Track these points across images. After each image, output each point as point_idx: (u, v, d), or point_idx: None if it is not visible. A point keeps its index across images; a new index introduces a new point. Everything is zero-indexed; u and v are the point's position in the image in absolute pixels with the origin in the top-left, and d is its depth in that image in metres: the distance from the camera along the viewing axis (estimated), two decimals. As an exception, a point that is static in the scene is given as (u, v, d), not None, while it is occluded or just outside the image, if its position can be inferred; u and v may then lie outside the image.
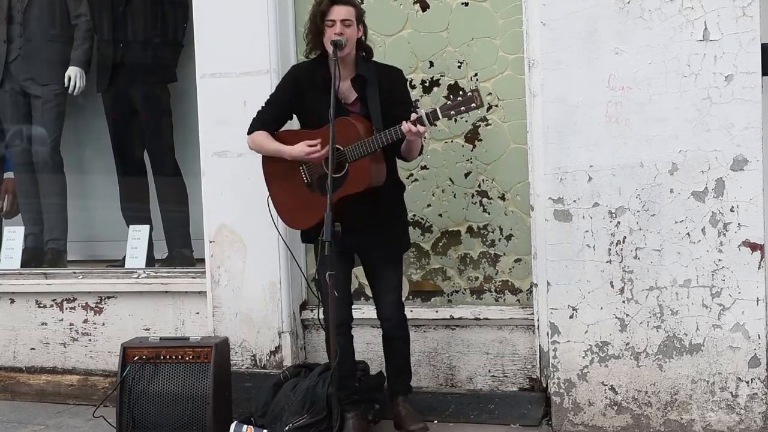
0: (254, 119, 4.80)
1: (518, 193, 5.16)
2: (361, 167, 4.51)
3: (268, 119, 4.77)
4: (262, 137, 4.74)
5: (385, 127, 4.50)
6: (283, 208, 4.78)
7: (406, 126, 4.39)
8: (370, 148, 4.47)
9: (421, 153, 4.78)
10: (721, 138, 4.53)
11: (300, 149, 4.60)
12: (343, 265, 4.68)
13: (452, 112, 4.42)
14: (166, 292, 5.72)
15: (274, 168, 4.76)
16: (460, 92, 4.55)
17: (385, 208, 4.68)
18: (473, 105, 4.38)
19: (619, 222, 4.69)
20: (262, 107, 4.82)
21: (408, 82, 5.00)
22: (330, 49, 4.51)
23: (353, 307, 4.86)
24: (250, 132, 4.78)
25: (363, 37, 4.70)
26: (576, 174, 4.73)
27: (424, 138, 4.74)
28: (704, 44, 4.54)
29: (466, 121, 5.18)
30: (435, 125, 4.52)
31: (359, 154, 4.49)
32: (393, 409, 4.84)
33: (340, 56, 4.53)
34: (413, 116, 4.40)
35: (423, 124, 4.40)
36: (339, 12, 4.56)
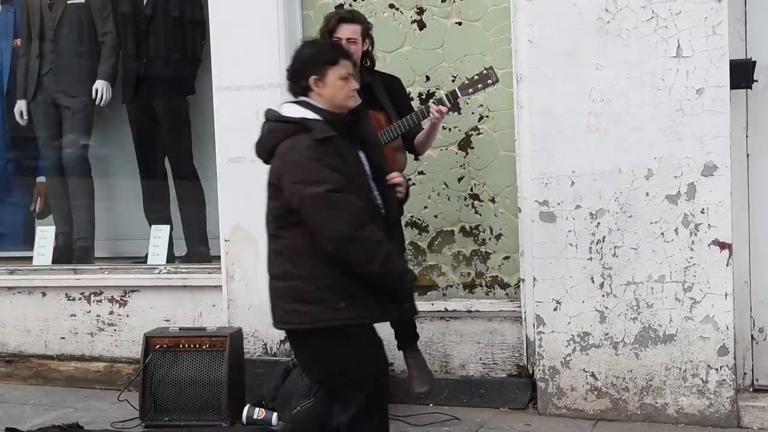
0: None
1: (507, 196, 5.16)
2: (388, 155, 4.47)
3: None
4: None
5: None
6: None
7: (434, 107, 4.33)
8: (395, 133, 4.41)
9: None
10: (692, 146, 4.53)
11: None
12: None
13: (470, 90, 4.35)
14: (185, 286, 5.72)
15: None
16: (476, 73, 4.51)
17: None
18: (489, 81, 4.31)
19: (599, 223, 4.69)
20: None
21: (407, 95, 4.99)
22: None
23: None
24: None
25: (369, 48, 4.68)
26: (560, 179, 4.73)
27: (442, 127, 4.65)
28: (677, 60, 4.54)
29: (460, 130, 5.19)
30: (457, 106, 4.42)
31: (384, 141, 4.41)
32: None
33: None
34: (436, 97, 4.34)
35: (445, 104, 4.33)
36: (345, 31, 4.56)
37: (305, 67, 3.46)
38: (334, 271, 3.33)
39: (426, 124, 4.58)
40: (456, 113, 4.47)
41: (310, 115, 3.41)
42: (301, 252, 3.36)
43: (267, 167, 5.12)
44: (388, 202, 3.54)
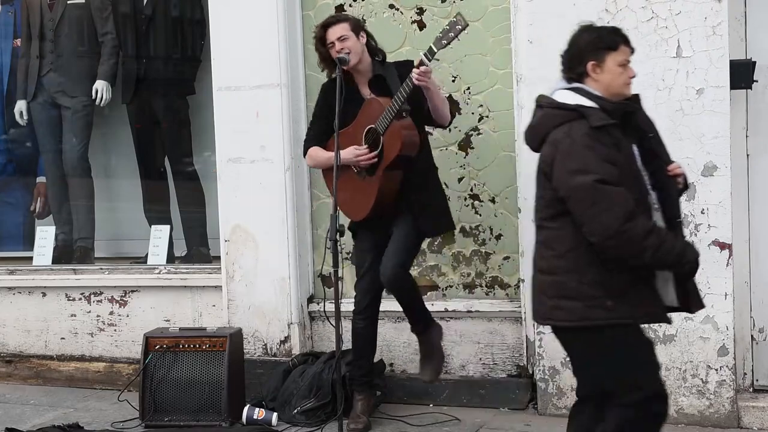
0: (305, 140, 4.80)
1: (507, 196, 5.14)
2: (392, 133, 4.40)
3: (315, 134, 4.74)
4: (314, 151, 4.70)
5: (414, 106, 4.40)
6: (345, 205, 4.64)
7: (415, 71, 4.28)
8: (394, 109, 4.36)
9: (452, 117, 4.63)
10: (692, 146, 4.52)
11: (351, 152, 4.53)
12: (377, 253, 4.60)
13: (444, 42, 4.25)
14: (185, 286, 5.71)
15: (331, 173, 4.75)
16: (446, 24, 4.39)
17: (414, 193, 4.54)
18: (459, 27, 4.20)
19: (599, 223, 4.67)
20: (309, 126, 4.83)
21: None
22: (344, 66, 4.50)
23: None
24: (304, 153, 4.76)
25: (373, 42, 4.66)
26: (560, 179, 4.71)
27: (439, 88, 4.55)
28: (677, 60, 4.54)
29: (460, 130, 5.17)
30: (436, 59, 4.34)
31: (388, 121, 4.39)
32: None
33: (352, 67, 4.53)
34: (416, 62, 4.31)
35: (425, 64, 4.27)
36: (333, 32, 4.55)
37: (583, 53, 3.34)
38: (602, 266, 3.16)
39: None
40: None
41: (585, 102, 3.27)
42: (567, 244, 3.21)
43: (268, 167, 5.12)
44: (666, 197, 3.34)
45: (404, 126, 4.41)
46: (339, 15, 4.85)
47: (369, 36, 4.68)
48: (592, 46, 3.35)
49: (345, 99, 4.46)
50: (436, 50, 4.26)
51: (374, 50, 4.67)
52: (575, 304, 3.19)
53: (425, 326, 4.74)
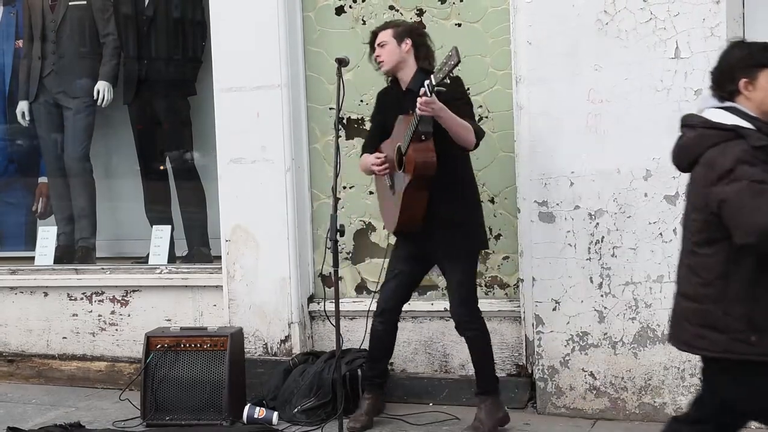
0: (362, 146, 4.85)
1: (506, 196, 5.16)
2: (409, 155, 4.36)
3: (367, 141, 4.78)
4: (363, 158, 4.73)
5: (437, 124, 4.34)
6: (382, 214, 4.66)
7: (418, 102, 4.21)
8: (410, 132, 4.34)
9: (479, 137, 4.42)
10: (690, 147, 4.53)
11: (369, 160, 4.59)
12: (411, 264, 4.61)
13: (441, 76, 4.23)
14: (186, 286, 5.73)
15: (376, 181, 4.76)
16: (444, 57, 4.27)
17: (445, 209, 4.45)
18: (451, 63, 4.14)
19: (598, 223, 4.69)
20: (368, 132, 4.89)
21: (459, 86, 4.55)
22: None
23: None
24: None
25: (417, 50, 4.56)
26: (559, 179, 4.73)
27: (433, 110, 4.32)
28: (676, 62, 4.55)
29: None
30: (437, 92, 4.22)
31: (407, 143, 4.37)
32: None
33: (388, 73, 4.57)
34: (420, 91, 4.25)
35: (426, 95, 4.21)
36: (378, 38, 4.57)
37: (734, 70, 3.21)
38: (750, 298, 3.06)
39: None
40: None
41: (740, 122, 3.15)
42: (716, 272, 3.10)
43: (268, 167, 5.13)
44: None
45: (419, 149, 4.33)
46: (390, 21, 4.76)
47: (418, 45, 4.56)
48: (744, 63, 3.22)
49: (393, 107, 4.51)
50: (434, 83, 4.18)
51: (423, 59, 4.56)
52: (719, 336, 3.10)
53: (484, 392, 4.60)
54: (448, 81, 4.14)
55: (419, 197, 4.40)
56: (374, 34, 4.63)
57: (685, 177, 4.50)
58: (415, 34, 4.61)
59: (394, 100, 4.60)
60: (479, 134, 4.42)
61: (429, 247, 4.54)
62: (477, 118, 5.14)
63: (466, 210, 4.54)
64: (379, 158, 4.57)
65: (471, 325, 4.57)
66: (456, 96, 4.40)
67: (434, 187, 4.38)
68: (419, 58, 4.58)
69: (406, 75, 4.58)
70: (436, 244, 4.51)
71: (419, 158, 4.32)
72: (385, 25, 4.65)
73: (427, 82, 4.20)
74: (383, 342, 4.73)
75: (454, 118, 4.31)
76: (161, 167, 6.23)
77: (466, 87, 4.67)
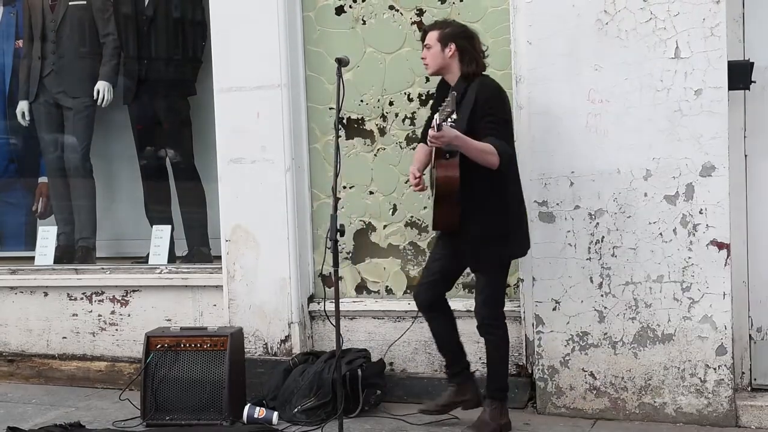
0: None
1: (506, 196, 5.15)
2: (435, 171, 4.42)
3: (422, 132, 4.72)
4: (416, 150, 4.73)
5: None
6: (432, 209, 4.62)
7: (429, 133, 4.23)
8: (434, 150, 4.35)
9: (502, 160, 4.29)
10: (690, 147, 4.54)
11: (410, 169, 4.60)
12: (449, 258, 4.57)
13: (445, 116, 4.22)
14: (186, 286, 5.72)
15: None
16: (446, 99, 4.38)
17: (473, 221, 4.42)
18: (449, 110, 4.21)
19: (598, 223, 4.69)
20: None
21: (493, 101, 4.43)
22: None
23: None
24: None
25: (462, 55, 4.46)
26: (559, 179, 4.73)
27: (442, 143, 4.29)
28: (676, 61, 4.55)
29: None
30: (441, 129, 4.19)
31: (433, 159, 4.39)
32: None
33: (429, 74, 4.56)
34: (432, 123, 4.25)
35: (434, 129, 4.20)
36: (426, 39, 4.52)
37: None
38: None
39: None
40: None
41: None
42: None
43: (268, 167, 5.11)
44: None
45: (442, 166, 4.33)
46: (439, 21, 4.64)
47: (463, 49, 4.46)
48: None
49: (440, 104, 4.42)
50: (438, 122, 4.14)
51: (468, 63, 4.46)
52: None
53: (492, 395, 4.57)
54: (455, 117, 4.12)
55: (449, 208, 4.40)
56: (424, 32, 4.58)
57: (685, 177, 4.54)
58: (459, 38, 4.48)
59: (442, 97, 4.49)
60: (504, 155, 4.29)
61: (462, 248, 4.52)
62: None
63: (494, 222, 4.42)
64: (416, 177, 4.54)
65: (492, 329, 4.55)
66: (486, 113, 4.33)
67: (464, 199, 4.36)
68: (464, 62, 4.48)
69: (451, 79, 4.52)
70: (465, 249, 4.50)
71: (440, 175, 4.34)
72: (433, 26, 4.56)
73: (436, 116, 4.19)
74: (437, 334, 4.69)
75: (469, 145, 4.24)
76: (161, 167, 6.22)
77: (505, 101, 4.48)
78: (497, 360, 4.58)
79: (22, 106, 6.36)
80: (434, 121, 4.18)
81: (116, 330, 5.86)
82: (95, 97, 6.15)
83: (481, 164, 4.28)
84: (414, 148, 5.26)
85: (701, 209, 4.54)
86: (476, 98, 4.35)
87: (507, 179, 4.45)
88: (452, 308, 5.13)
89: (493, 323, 4.55)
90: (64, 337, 5.97)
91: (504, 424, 4.56)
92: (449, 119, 4.12)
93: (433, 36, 4.51)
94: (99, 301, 5.89)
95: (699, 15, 4.49)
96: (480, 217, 4.40)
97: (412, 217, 5.32)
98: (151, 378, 4.91)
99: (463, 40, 4.48)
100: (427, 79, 5.24)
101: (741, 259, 4.71)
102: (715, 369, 4.56)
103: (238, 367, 5.00)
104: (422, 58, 4.58)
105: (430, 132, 4.19)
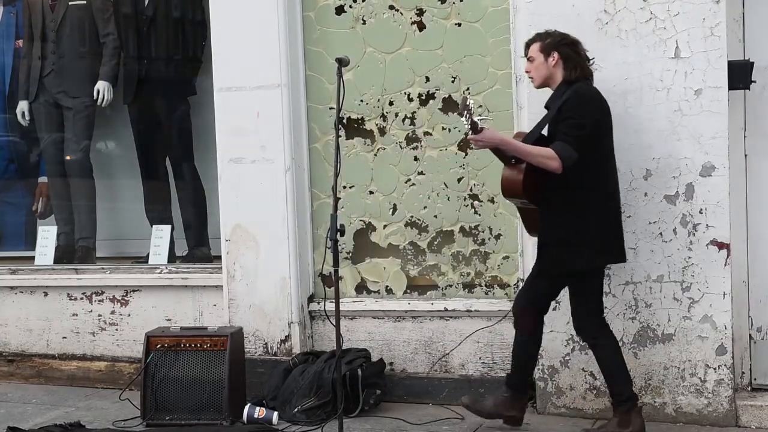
0: None
1: (506, 196, 5.15)
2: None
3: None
4: None
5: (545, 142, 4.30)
6: None
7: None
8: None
9: (565, 161, 4.18)
10: (691, 147, 4.53)
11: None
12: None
13: (464, 119, 4.22)
14: (186, 286, 5.72)
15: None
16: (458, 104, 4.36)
17: (541, 225, 4.41)
18: (468, 109, 4.18)
19: (598, 223, 4.68)
20: None
21: (571, 106, 4.28)
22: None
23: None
24: None
25: (566, 62, 4.35)
26: (559, 179, 4.72)
27: (482, 145, 4.35)
28: (676, 61, 4.54)
29: (459, 131, 5.18)
30: (475, 126, 4.25)
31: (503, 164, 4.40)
32: None
33: (536, 87, 4.45)
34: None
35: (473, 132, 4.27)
36: (528, 52, 4.45)
37: None
38: None
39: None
40: (467, 120, 4.31)
41: None
42: None
43: (268, 167, 5.11)
44: None
45: (506, 171, 4.35)
46: (539, 34, 4.45)
47: (566, 56, 4.35)
48: None
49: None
50: (467, 125, 4.19)
51: (572, 70, 4.36)
52: None
53: (618, 403, 4.38)
54: (479, 119, 4.19)
55: (526, 211, 4.44)
56: (526, 47, 4.48)
57: (685, 177, 4.53)
58: (562, 45, 4.39)
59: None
60: (567, 159, 4.18)
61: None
62: (477, 117, 5.11)
63: (559, 230, 4.33)
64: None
65: (584, 335, 4.47)
66: (562, 118, 4.26)
67: (540, 204, 4.35)
68: (567, 69, 4.36)
69: (551, 89, 4.44)
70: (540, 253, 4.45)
71: (504, 181, 4.37)
72: (534, 39, 4.44)
73: (464, 117, 4.20)
74: (516, 349, 4.52)
75: (518, 147, 4.24)
76: (161, 167, 6.21)
77: (584, 105, 4.31)
78: (608, 365, 4.41)
79: (22, 106, 6.36)
80: (464, 119, 4.18)
81: (116, 330, 5.86)
82: (95, 97, 6.15)
83: (543, 169, 4.22)
84: (414, 148, 5.29)
85: (701, 209, 4.53)
86: (561, 104, 4.28)
87: (575, 184, 4.25)
88: (452, 308, 5.16)
89: (588, 329, 4.43)
90: (64, 337, 5.96)
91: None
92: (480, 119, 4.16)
93: (535, 48, 4.41)
94: (99, 301, 5.89)
95: (699, 15, 4.49)
96: (548, 223, 4.35)
97: (412, 216, 5.32)
98: (151, 378, 4.91)
99: (566, 47, 4.38)
100: (427, 79, 5.24)
101: (741, 259, 4.70)
102: (715, 369, 4.56)
103: (238, 367, 4.99)
104: (526, 72, 4.47)
105: (471, 136, 4.25)
